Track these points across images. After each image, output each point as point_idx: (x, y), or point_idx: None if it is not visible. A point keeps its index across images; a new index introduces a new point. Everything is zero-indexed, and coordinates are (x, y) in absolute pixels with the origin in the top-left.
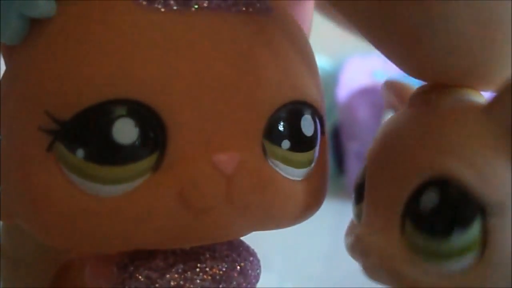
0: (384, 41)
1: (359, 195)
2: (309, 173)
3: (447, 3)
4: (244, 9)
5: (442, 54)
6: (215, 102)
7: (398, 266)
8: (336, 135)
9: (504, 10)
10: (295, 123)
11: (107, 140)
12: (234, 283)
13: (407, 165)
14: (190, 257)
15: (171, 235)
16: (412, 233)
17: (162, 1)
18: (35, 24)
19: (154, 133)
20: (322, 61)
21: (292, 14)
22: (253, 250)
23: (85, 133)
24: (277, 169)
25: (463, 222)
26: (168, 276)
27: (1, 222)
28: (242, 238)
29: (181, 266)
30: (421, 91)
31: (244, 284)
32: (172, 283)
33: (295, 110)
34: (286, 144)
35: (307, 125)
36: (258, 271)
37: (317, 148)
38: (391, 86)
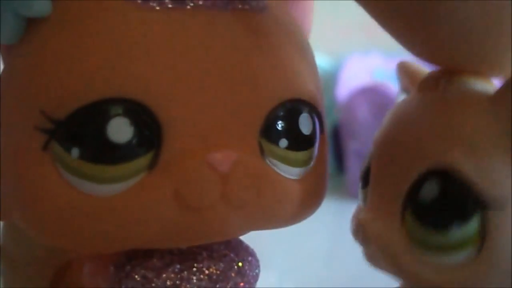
0: (393, 24)
1: (365, 179)
2: (307, 172)
3: None
4: (239, 7)
5: (448, 41)
6: (211, 100)
7: (398, 255)
8: (336, 134)
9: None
10: (293, 121)
11: (102, 139)
12: (232, 282)
13: (412, 152)
14: (187, 256)
15: (167, 235)
16: (411, 224)
17: None
18: (31, 24)
19: (149, 132)
20: (321, 60)
21: (292, 13)
22: (252, 249)
23: (80, 132)
24: (275, 168)
25: (462, 216)
26: (164, 275)
27: (1, 222)
28: (241, 237)
29: (178, 265)
30: (431, 76)
31: (242, 284)
32: (168, 283)
33: (292, 108)
34: (283, 142)
35: (305, 124)
36: (257, 270)
37: (316, 147)
38: (404, 68)
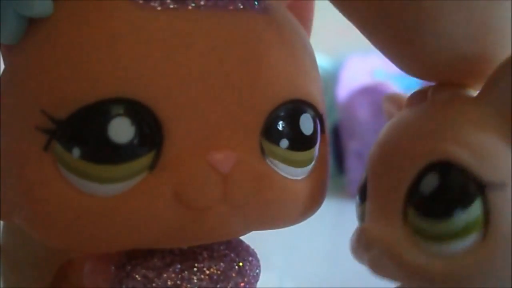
0: (379, 39)
1: (363, 195)
2: (308, 172)
3: (436, 4)
4: (241, 7)
5: (433, 54)
6: (212, 101)
7: (402, 252)
8: (336, 134)
9: (495, 11)
10: (294, 121)
11: (103, 139)
12: (232, 282)
13: (407, 154)
14: (187, 256)
15: (168, 235)
16: (414, 219)
17: None
18: (32, 24)
19: (150, 131)
20: (322, 60)
21: (293, 13)
22: (252, 250)
23: (81, 132)
24: (276, 168)
25: (464, 202)
26: (165, 275)
27: (1, 222)
28: (242, 237)
29: (179, 265)
30: (418, 91)
31: (242, 284)
32: (169, 283)
33: (293, 108)
34: (284, 143)
35: (306, 124)
36: (257, 271)
37: (317, 147)
38: (391, 99)
